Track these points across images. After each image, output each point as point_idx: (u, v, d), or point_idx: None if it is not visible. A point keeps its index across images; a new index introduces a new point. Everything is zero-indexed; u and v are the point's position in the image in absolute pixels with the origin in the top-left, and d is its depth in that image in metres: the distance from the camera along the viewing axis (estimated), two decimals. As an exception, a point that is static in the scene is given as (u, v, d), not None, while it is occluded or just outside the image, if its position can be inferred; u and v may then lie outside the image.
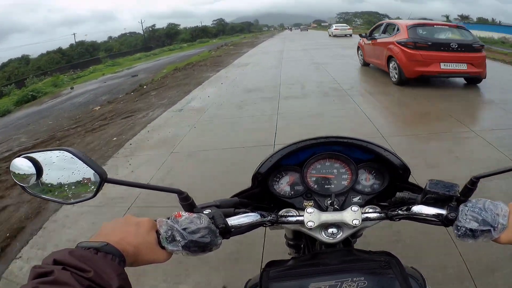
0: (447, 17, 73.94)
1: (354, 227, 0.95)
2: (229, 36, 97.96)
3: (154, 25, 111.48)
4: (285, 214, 1.03)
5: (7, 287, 2.65)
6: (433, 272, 2.33)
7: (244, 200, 1.08)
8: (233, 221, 0.91)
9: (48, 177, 0.79)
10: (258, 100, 7.54)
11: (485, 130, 4.87)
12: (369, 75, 9.52)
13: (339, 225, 0.98)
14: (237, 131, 5.61)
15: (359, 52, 11.54)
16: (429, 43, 7.38)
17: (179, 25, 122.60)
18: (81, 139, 6.61)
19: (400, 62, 7.58)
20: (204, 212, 0.89)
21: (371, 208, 1.03)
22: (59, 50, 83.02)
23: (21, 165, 0.76)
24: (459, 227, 0.84)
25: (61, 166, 0.78)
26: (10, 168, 0.76)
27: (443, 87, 7.56)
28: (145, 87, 12.44)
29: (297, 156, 1.13)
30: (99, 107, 10.58)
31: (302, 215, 0.97)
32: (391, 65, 8.08)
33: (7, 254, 3.11)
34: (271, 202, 1.14)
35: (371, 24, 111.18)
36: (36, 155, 0.77)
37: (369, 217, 0.98)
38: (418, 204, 0.93)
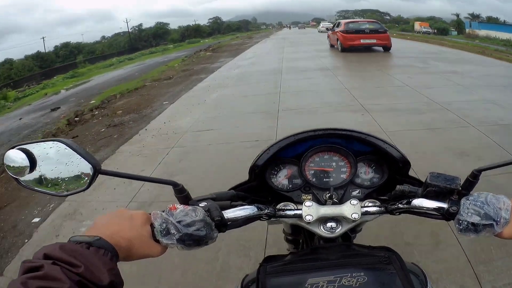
0: (458, 15, 75.61)
1: (353, 221, 0.95)
2: (223, 35, 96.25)
3: (141, 25, 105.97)
4: (283, 207, 1.03)
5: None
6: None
7: (241, 193, 1.07)
8: (229, 214, 0.91)
9: (42, 168, 0.79)
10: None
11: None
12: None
13: (338, 219, 0.98)
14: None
15: (328, 39, 19.92)
16: (354, 30, 15.63)
17: (168, 24, 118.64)
18: None
19: (341, 40, 15.84)
20: (199, 204, 0.89)
21: (370, 202, 1.03)
22: (38, 54, 78.52)
23: (15, 157, 0.76)
24: (460, 221, 0.84)
25: (55, 157, 0.78)
26: (4, 161, 0.76)
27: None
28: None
29: (295, 149, 1.11)
30: None
31: (300, 209, 0.97)
32: (338, 42, 16.32)
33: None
34: (269, 195, 1.13)
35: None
36: (30, 147, 0.77)
37: (369, 211, 0.98)
38: (419, 197, 0.93)
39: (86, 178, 0.79)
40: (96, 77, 29.38)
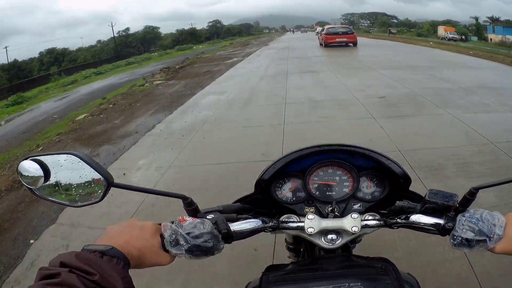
0: (477, 19, 73.60)
1: (353, 233, 1.01)
2: (220, 41, 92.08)
3: (127, 29, 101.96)
4: (286, 220, 1.10)
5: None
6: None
7: (246, 206, 1.15)
8: (235, 226, 0.98)
9: (56, 180, 0.83)
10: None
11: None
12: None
13: (338, 231, 1.04)
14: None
15: (318, 39, 30.30)
16: (332, 32, 26.16)
17: (158, 28, 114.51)
18: None
19: (324, 40, 26.11)
20: (207, 217, 0.95)
21: (370, 215, 1.09)
22: (14, 63, 72.43)
23: (29, 167, 0.81)
24: (455, 237, 0.89)
25: (68, 169, 0.83)
26: (18, 170, 0.81)
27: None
28: None
29: (300, 163, 1.17)
30: None
31: (303, 221, 1.03)
32: (321, 41, 27.07)
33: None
34: (273, 207, 1.19)
35: (385, 25, 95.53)
36: (44, 158, 0.82)
37: (368, 224, 1.04)
38: (417, 213, 0.99)
39: (100, 191, 0.83)
40: (52, 99, 24.25)
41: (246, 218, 1.03)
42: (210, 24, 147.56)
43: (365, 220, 1.05)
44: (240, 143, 5.98)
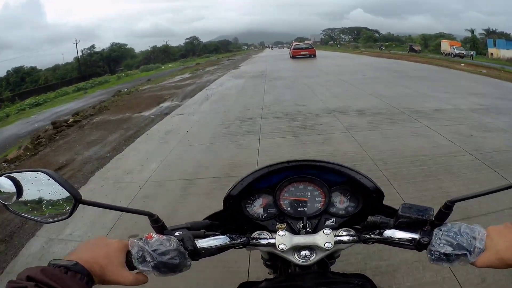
0: (472, 31, 68.97)
1: (326, 249, 1.02)
2: (194, 59, 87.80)
3: (92, 46, 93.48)
4: (257, 236, 1.10)
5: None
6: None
7: (215, 223, 1.17)
8: (202, 243, 1.00)
9: (28, 196, 0.87)
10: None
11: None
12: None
13: (312, 248, 1.05)
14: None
15: (289, 52, 42.91)
16: (297, 48, 38.60)
17: (126, 45, 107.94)
18: None
19: (292, 53, 37.81)
20: (174, 234, 0.97)
21: (345, 230, 1.09)
22: None
23: (4, 183, 0.84)
24: (432, 252, 0.89)
25: (39, 186, 0.87)
26: None
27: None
28: None
29: (270, 179, 1.19)
30: None
31: (274, 238, 1.05)
32: (290, 53, 39.06)
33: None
34: (244, 224, 1.20)
35: (370, 40, 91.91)
36: (17, 175, 0.86)
37: (342, 240, 1.05)
38: (391, 228, 1.00)
39: (68, 207, 0.87)
40: None
41: (214, 235, 1.04)
42: (187, 40, 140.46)
43: (338, 235, 1.05)
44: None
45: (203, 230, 1.07)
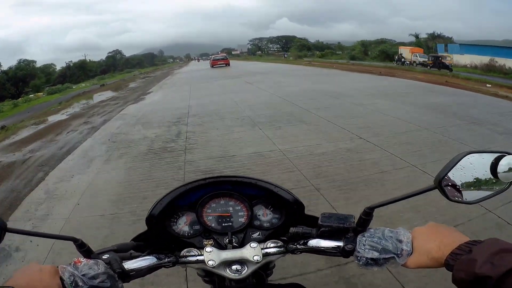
0: (417, 36, 64.38)
1: (256, 262, 1.04)
2: (116, 74, 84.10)
3: None
4: (186, 254, 1.11)
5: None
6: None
7: (141, 243, 1.16)
8: (130, 265, 0.99)
9: None
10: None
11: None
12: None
13: (242, 261, 1.06)
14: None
15: (209, 62, 53.98)
16: (215, 59, 50.77)
17: (34, 61, 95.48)
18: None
19: (211, 63, 48.88)
20: (102, 257, 0.97)
21: (272, 242, 1.11)
22: None
23: None
24: (359, 258, 0.91)
25: None
26: None
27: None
28: None
29: (190, 196, 1.21)
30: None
31: (203, 254, 1.06)
32: (210, 64, 49.90)
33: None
34: (172, 242, 1.19)
35: (303, 49, 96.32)
36: None
37: (269, 252, 1.07)
38: (314, 237, 1.03)
39: None
40: None
41: (141, 256, 1.04)
42: (110, 54, 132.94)
43: (266, 248, 1.08)
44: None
45: (130, 252, 1.05)
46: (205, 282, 1.37)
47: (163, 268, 1.06)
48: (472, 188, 0.90)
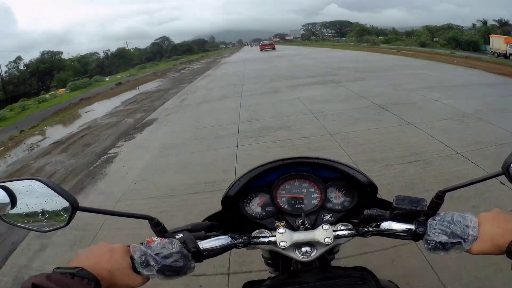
0: (485, 22, 59.18)
1: (326, 245, 1.02)
2: (159, 63, 73.41)
3: (18, 58, 71.38)
4: (257, 235, 1.10)
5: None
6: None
7: (215, 223, 1.15)
8: (204, 244, 0.98)
9: (22, 206, 0.83)
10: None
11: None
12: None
13: (312, 244, 1.05)
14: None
15: (259, 47, 63.64)
16: (263, 44, 58.95)
17: (60, 52, 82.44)
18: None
19: (260, 47, 57.64)
20: (176, 236, 0.95)
21: (342, 225, 1.09)
22: None
23: None
24: (428, 241, 0.90)
25: (34, 195, 0.83)
26: None
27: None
28: None
29: (266, 178, 1.19)
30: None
31: (275, 236, 1.05)
32: (259, 48, 57.98)
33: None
34: (244, 223, 1.19)
35: (364, 33, 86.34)
36: (9, 184, 0.82)
37: (341, 235, 1.05)
38: (387, 220, 1.01)
39: (65, 215, 0.83)
40: None
41: (215, 236, 1.02)
42: (156, 41, 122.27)
43: (337, 230, 1.05)
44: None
45: (203, 232, 1.04)
46: (267, 265, 1.38)
47: (234, 249, 1.05)
48: None
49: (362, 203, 1.13)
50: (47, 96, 41.62)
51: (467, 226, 0.85)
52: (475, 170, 4.16)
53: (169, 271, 0.86)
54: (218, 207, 1.17)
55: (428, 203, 0.94)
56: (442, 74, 12.37)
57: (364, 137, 5.70)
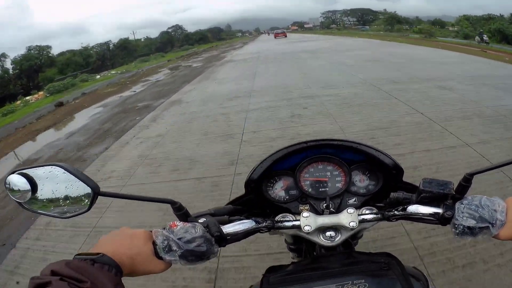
0: None
1: (351, 229, 1.02)
2: (166, 54, 67.69)
3: (3, 55, 66.67)
4: (281, 219, 1.11)
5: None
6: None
7: (239, 207, 1.16)
8: (228, 228, 0.98)
9: (43, 192, 0.84)
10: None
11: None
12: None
13: (336, 228, 1.05)
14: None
15: (272, 35, 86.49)
16: (277, 32, 75.76)
17: (49, 47, 74.58)
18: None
19: (274, 35, 74.44)
20: (198, 221, 0.95)
21: (367, 209, 1.10)
22: None
23: (17, 181, 0.82)
24: (456, 226, 0.88)
25: (54, 181, 0.84)
26: (5, 185, 0.83)
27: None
28: None
29: (289, 161, 1.19)
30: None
31: (299, 220, 1.04)
32: (274, 36, 75.23)
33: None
34: (267, 207, 1.20)
35: (393, 21, 77.37)
36: (30, 171, 0.84)
37: (366, 219, 1.04)
38: (414, 203, 0.99)
39: (87, 200, 0.84)
40: None
41: (238, 220, 1.02)
42: (168, 30, 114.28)
43: (362, 214, 1.05)
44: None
45: (226, 216, 1.05)
46: (290, 250, 1.42)
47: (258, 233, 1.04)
48: None
49: (387, 187, 1.14)
50: (18, 104, 32.31)
51: (495, 210, 0.84)
52: None
53: (192, 256, 0.85)
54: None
55: (455, 186, 0.94)
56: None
57: None
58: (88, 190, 0.82)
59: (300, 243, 1.32)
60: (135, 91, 15.99)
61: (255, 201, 1.17)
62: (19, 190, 0.81)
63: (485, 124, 5.36)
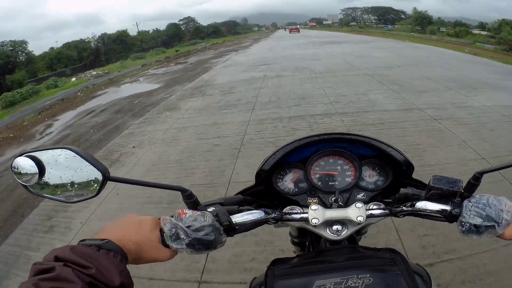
0: None
1: (358, 223, 1.05)
2: (166, 50, 61.08)
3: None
4: (289, 211, 1.13)
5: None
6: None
7: (248, 198, 1.16)
8: (237, 218, 0.98)
9: (51, 175, 0.83)
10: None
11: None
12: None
13: (343, 222, 1.08)
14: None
15: (288, 30, 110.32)
16: (290, 28, 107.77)
17: (25, 42, 64.45)
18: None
19: (289, 31, 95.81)
20: (208, 209, 0.96)
21: (375, 204, 1.11)
22: None
23: (24, 164, 0.80)
24: (463, 223, 0.90)
25: (63, 164, 0.82)
26: (12, 168, 0.81)
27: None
28: None
29: (301, 153, 1.21)
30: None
31: (307, 212, 1.06)
32: (287, 32, 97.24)
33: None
34: (276, 199, 1.25)
35: (423, 22, 70.64)
36: (39, 154, 0.82)
37: (373, 214, 1.06)
38: (422, 200, 1.01)
39: (96, 185, 0.83)
40: None
41: (248, 210, 1.03)
42: (180, 22, 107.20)
43: (369, 209, 1.07)
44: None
45: (236, 206, 1.06)
46: (293, 244, 1.42)
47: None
48: None
49: (395, 183, 1.18)
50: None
51: (501, 210, 0.86)
52: None
53: (199, 244, 0.86)
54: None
55: (464, 184, 0.97)
56: None
57: None
58: (97, 174, 0.81)
59: (304, 236, 1.34)
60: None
61: (264, 192, 1.21)
62: (26, 173, 0.79)
63: None
